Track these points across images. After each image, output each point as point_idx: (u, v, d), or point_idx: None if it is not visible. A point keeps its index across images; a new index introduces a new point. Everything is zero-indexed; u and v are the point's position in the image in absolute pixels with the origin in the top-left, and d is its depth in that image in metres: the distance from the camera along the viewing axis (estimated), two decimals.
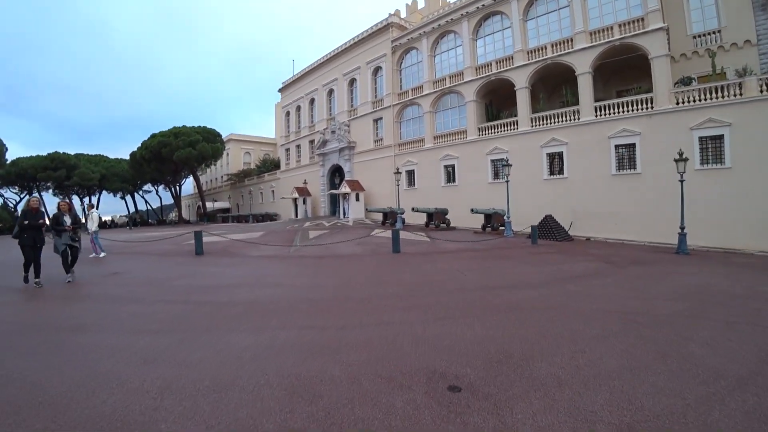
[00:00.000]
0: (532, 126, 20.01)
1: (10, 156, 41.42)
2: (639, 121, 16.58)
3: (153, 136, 41.94)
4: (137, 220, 49.81)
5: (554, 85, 21.42)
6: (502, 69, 21.28)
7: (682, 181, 12.90)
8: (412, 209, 21.52)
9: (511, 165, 17.02)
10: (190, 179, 47.44)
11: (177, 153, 39.01)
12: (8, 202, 45.00)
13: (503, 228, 17.83)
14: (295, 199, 34.67)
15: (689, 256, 12.22)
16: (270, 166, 47.64)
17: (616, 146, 17.16)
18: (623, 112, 17.14)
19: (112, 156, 52.02)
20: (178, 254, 12.58)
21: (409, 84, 26.95)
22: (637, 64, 18.49)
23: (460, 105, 23.67)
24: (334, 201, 32.71)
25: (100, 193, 52.39)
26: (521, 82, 20.37)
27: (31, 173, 41.75)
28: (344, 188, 28.26)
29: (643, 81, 18.24)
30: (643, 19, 16.86)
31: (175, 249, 13.88)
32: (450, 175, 23.91)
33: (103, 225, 13.06)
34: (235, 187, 51.91)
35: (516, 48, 20.67)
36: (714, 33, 17.98)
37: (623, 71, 19.53)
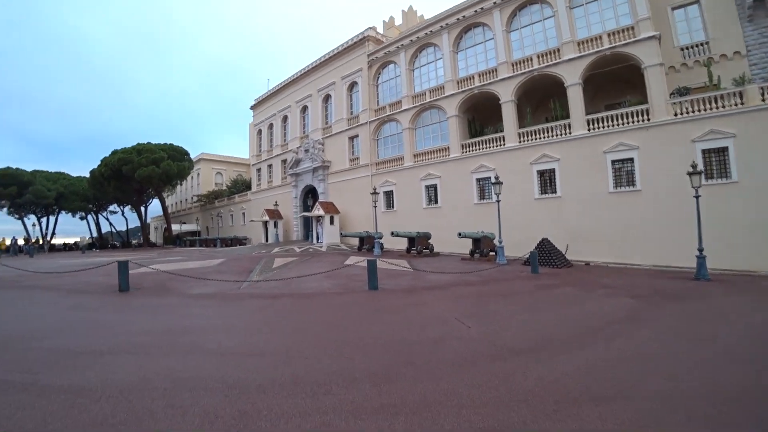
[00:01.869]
0: (520, 141, 18.55)
1: None
2: (636, 134, 15.32)
3: (114, 152, 38.74)
4: (92, 244, 45.42)
5: (540, 99, 20.23)
6: (486, 82, 19.95)
7: (697, 197, 11.37)
8: (392, 234, 19.30)
9: (501, 183, 15.26)
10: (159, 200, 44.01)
11: (139, 171, 35.93)
12: None
13: (494, 254, 15.89)
14: (265, 222, 31.97)
15: (713, 282, 10.57)
16: (241, 186, 44.78)
17: (613, 161, 15.79)
18: (618, 125, 15.89)
19: (75, 174, 48.01)
20: (96, 290, 9.84)
21: (387, 99, 25.41)
22: (624, 77, 17.54)
23: (441, 121, 22.14)
24: (307, 224, 30.23)
25: (58, 213, 48.01)
26: (507, 95, 19.04)
27: None
28: (318, 210, 25.92)
29: (632, 94, 17.24)
30: (633, 28, 15.92)
31: (98, 282, 11.07)
32: (432, 196, 22.06)
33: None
34: (205, 209, 48.49)
35: (500, 60, 19.44)
36: (702, 45, 17.23)
37: (610, 85, 18.49)
